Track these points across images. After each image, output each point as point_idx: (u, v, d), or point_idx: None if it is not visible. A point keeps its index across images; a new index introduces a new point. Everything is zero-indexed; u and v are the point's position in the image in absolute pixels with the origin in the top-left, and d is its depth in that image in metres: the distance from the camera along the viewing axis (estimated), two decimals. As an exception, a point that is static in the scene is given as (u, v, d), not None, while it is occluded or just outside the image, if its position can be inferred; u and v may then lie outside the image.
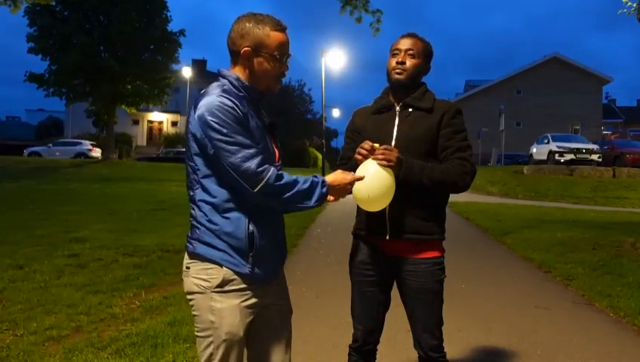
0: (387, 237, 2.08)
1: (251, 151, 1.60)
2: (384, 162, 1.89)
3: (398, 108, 2.14)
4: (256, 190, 1.59)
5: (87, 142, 31.53)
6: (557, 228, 8.91)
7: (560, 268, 5.79)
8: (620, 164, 21.68)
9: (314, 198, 1.68)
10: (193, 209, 1.72)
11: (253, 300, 1.71)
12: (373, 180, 1.87)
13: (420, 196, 2.04)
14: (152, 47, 26.93)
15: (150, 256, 5.88)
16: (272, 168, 1.62)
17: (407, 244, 2.08)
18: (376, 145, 1.94)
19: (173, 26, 31.01)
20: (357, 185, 1.88)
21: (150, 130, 44.19)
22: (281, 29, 1.73)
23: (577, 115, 36.82)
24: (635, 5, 7.50)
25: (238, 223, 1.65)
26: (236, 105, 1.62)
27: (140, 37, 25.76)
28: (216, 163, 1.62)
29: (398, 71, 2.10)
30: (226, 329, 1.66)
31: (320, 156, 35.85)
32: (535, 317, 4.16)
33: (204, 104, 1.63)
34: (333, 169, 2.25)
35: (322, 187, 1.70)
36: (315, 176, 1.73)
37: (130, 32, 24.94)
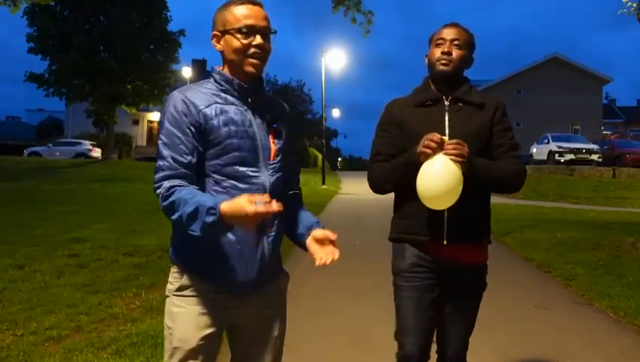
0: (444, 242, 1.91)
1: (160, 163, 1.51)
2: (458, 158, 1.72)
3: (447, 101, 1.97)
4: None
5: (87, 142, 31.52)
6: (557, 228, 8.91)
7: (560, 268, 5.79)
8: (620, 164, 21.69)
9: (198, 226, 1.41)
10: None
11: (221, 311, 1.56)
12: (445, 176, 1.71)
13: (478, 196, 1.92)
14: (152, 47, 26.90)
15: (150, 256, 5.87)
16: (167, 184, 1.47)
17: (463, 249, 1.93)
18: (445, 138, 1.77)
19: (173, 26, 31.05)
20: (425, 181, 1.74)
21: (150, 130, 44.14)
22: (245, 2, 1.60)
23: (577, 115, 36.82)
24: (635, 5, 7.50)
25: None
26: (187, 105, 1.54)
27: (140, 37, 25.73)
28: None
29: (444, 62, 1.95)
30: (179, 335, 1.54)
31: (320, 156, 35.88)
32: (535, 317, 4.15)
33: (166, 100, 1.61)
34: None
35: (207, 215, 1.39)
36: (217, 197, 1.47)
37: (130, 32, 24.92)
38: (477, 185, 1.84)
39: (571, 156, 21.76)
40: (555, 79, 37.45)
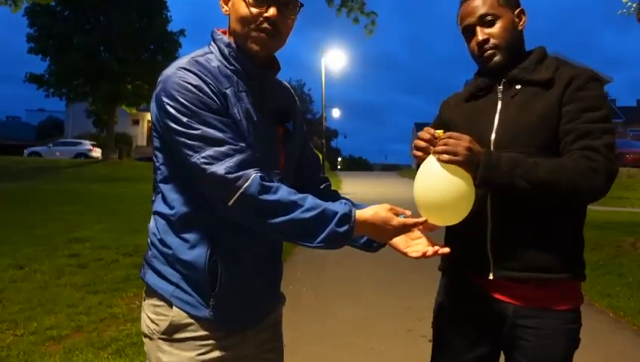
0: (490, 276, 1.40)
1: (222, 148, 1.10)
2: (444, 156, 1.26)
3: (500, 87, 1.48)
4: (230, 203, 1.09)
5: (87, 142, 31.54)
6: (557, 228, 8.92)
7: (560, 268, 5.80)
8: (620, 164, 21.68)
9: (319, 236, 1.10)
10: (150, 220, 1.29)
11: (219, 353, 1.21)
12: (434, 182, 1.29)
13: (540, 213, 1.37)
14: (152, 47, 26.98)
15: (150, 256, 5.88)
16: (255, 174, 1.09)
17: (523, 287, 1.38)
18: (439, 132, 1.33)
19: (173, 25, 31.16)
20: (415, 189, 1.34)
21: (150, 130, 44.20)
22: None
23: (577, 115, 36.85)
24: (635, 5, 7.52)
25: (197, 248, 1.18)
26: (206, 82, 1.14)
27: (140, 37, 25.81)
28: (179, 162, 1.15)
29: (487, 54, 1.44)
30: None
31: (320, 156, 35.86)
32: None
33: (162, 79, 1.17)
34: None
35: (340, 224, 1.10)
36: (341, 202, 1.17)
37: (130, 32, 25.00)
38: (508, 192, 1.32)
39: (571, 156, 21.77)
40: (555, 79, 37.50)
